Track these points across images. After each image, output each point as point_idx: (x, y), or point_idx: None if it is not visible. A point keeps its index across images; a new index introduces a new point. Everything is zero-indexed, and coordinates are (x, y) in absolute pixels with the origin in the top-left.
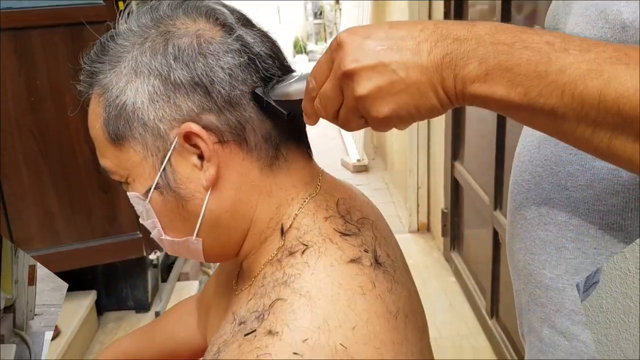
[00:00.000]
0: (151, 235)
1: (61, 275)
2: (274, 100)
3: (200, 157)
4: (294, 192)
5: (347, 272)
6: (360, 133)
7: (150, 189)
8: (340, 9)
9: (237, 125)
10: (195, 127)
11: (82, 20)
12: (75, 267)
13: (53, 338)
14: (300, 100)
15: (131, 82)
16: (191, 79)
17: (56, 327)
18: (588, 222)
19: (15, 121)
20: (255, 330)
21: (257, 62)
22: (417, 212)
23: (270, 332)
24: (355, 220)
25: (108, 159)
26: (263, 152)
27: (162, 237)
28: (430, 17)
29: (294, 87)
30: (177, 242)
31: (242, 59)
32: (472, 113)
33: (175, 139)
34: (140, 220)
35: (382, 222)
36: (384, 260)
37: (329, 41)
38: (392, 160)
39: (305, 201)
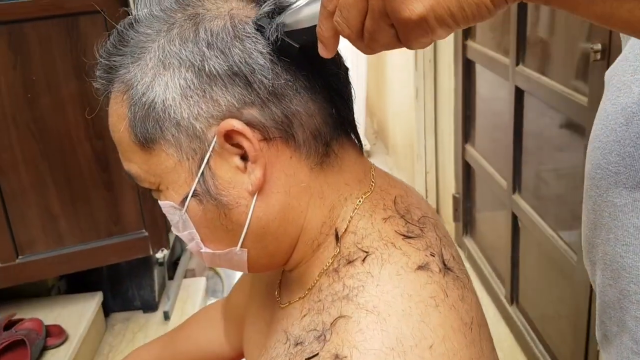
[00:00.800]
0: (188, 247)
1: (65, 277)
2: (284, 32)
3: (243, 157)
4: (347, 191)
5: (416, 281)
6: (361, 117)
7: (187, 196)
8: None
9: (283, 120)
10: (237, 124)
11: (78, 11)
12: (80, 269)
13: (61, 343)
14: (314, 27)
15: (159, 76)
16: (229, 68)
17: (63, 331)
18: None
19: (12, 118)
20: (317, 355)
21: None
22: (426, 198)
23: (337, 357)
24: (416, 219)
25: (135, 164)
26: (312, 149)
27: (202, 250)
28: None
29: (305, 12)
30: (218, 255)
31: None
32: (484, 93)
33: (214, 139)
34: (174, 231)
35: (437, 217)
36: (452, 265)
37: None
38: (394, 145)
39: (360, 201)
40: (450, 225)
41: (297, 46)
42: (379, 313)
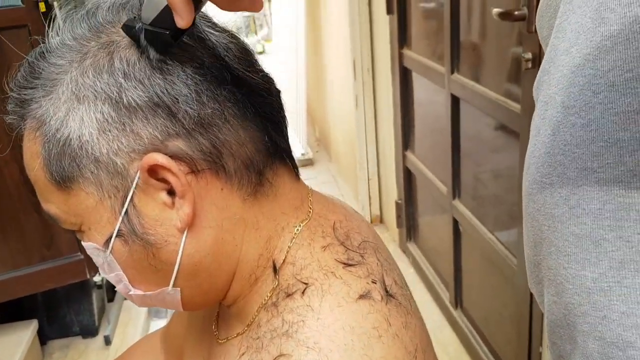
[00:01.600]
0: (116, 289)
1: None
2: (150, 24)
3: (170, 192)
4: (284, 220)
5: (358, 311)
6: (302, 126)
7: (110, 237)
8: (269, 0)
9: (212, 151)
10: (161, 159)
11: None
12: (12, 297)
13: None
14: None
15: (74, 111)
16: (149, 99)
17: None
18: (626, 204)
19: None
20: None
21: (226, 69)
22: (370, 205)
23: None
24: (356, 245)
25: (54, 205)
26: (245, 179)
27: (131, 292)
28: (370, 8)
29: None
30: (149, 296)
31: (207, 68)
32: (421, 101)
33: (138, 175)
34: (101, 273)
35: (379, 239)
36: (395, 291)
37: (260, 34)
38: (337, 152)
39: (297, 229)
40: (394, 231)
41: (167, 32)
42: (320, 349)
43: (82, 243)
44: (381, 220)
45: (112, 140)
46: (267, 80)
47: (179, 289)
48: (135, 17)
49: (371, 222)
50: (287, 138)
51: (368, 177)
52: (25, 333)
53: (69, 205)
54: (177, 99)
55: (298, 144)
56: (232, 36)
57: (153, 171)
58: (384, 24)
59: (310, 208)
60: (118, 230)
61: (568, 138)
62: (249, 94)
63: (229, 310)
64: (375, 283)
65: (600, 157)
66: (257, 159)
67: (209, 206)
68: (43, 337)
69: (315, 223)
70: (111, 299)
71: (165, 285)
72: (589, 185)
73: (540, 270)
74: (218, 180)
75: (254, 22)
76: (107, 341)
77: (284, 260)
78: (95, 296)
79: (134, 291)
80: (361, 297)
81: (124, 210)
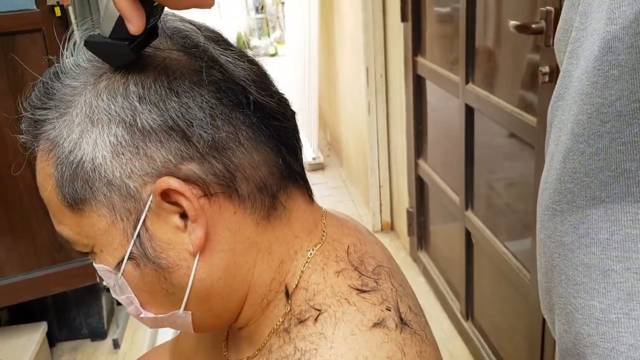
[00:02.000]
0: (128, 311)
1: (7, 307)
2: (109, 37)
3: (183, 215)
4: (297, 244)
5: (372, 340)
6: (313, 130)
7: (122, 260)
8: (282, 3)
9: (225, 174)
10: (174, 183)
11: (15, 30)
12: (22, 300)
13: None
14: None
15: (87, 133)
16: (164, 122)
17: None
18: (633, 235)
19: None
20: None
21: (242, 93)
22: (380, 212)
23: None
24: (370, 270)
25: (67, 226)
26: (258, 203)
27: (142, 315)
28: (384, 15)
29: (109, 7)
30: (160, 318)
31: (222, 92)
32: (435, 109)
33: (150, 198)
34: (113, 295)
35: (393, 262)
36: (409, 318)
37: (273, 36)
38: (348, 157)
39: (310, 253)
40: (404, 239)
41: (126, 42)
42: None
43: (94, 265)
44: (392, 228)
45: (125, 164)
46: (283, 103)
47: (190, 312)
48: (97, 33)
49: (382, 229)
50: (302, 161)
51: (379, 183)
52: (35, 335)
53: (81, 227)
54: (191, 122)
55: (309, 148)
56: (250, 59)
57: (166, 195)
58: (398, 31)
59: (324, 231)
60: (130, 253)
61: (577, 166)
62: (264, 117)
63: (240, 332)
64: (390, 310)
65: (608, 186)
66: (271, 182)
67: (221, 230)
68: (52, 339)
69: (329, 247)
70: (120, 303)
71: (176, 308)
72: (598, 215)
73: (551, 297)
74: (231, 203)
75: (267, 24)
76: (116, 345)
77: (296, 285)
78: (104, 300)
79: (145, 314)
80: (375, 325)
81: (136, 233)
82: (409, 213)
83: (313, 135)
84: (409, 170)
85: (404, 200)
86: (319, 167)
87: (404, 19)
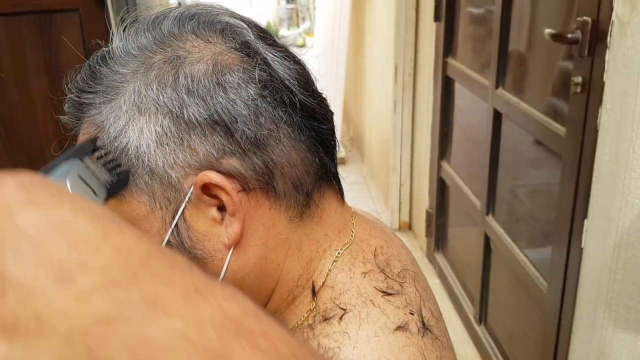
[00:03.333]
0: None
1: None
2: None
3: (221, 208)
4: (326, 242)
5: (394, 343)
6: (337, 125)
7: None
8: None
9: (264, 171)
10: (216, 177)
11: (51, 8)
12: None
13: None
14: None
15: (134, 121)
16: (209, 116)
17: None
18: None
19: None
20: None
21: (286, 92)
22: (399, 210)
23: None
24: (396, 273)
25: None
26: (293, 200)
27: None
28: (417, 13)
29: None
30: None
31: (268, 90)
32: (462, 112)
33: (191, 189)
34: None
35: (417, 266)
36: (431, 323)
37: (302, 27)
38: (370, 154)
39: (339, 253)
40: (422, 239)
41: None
42: None
43: None
44: (409, 227)
45: (168, 154)
46: (324, 104)
47: None
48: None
49: (399, 228)
50: (336, 162)
51: (400, 182)
52: None
53: (120, 212)
54: (236, 118)
55: None
56: (295, 59)
57: (207, 188)
58: (430, 31)
59: (353, 232)
60: (167, 241)
61: None
62: (305, 117)
63: None
64: (413, 314)
65: None
66: (307, 181)
67: (256, 225)
68: None
69: (356, 248)
70: None
71: None
72: None
73: None
74: (267, 199)
75: (297, 15)
76: None
77: (323, 283)
78: None
79: None
80: (398, 328)
81: (175, 222)
82: (428, 214)
83: (336, 129)
84: (431, 171)
85: (423, 200)
86: (340, 162)
87: (437, 18)
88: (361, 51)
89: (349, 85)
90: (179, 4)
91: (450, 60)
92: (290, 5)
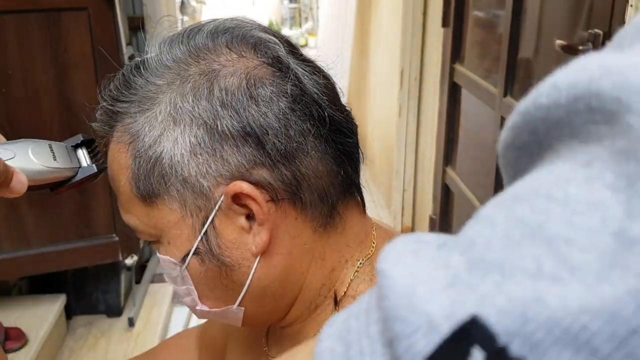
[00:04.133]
0: (182, 301)
1: (29, 278)
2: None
3: (249, 217)
4: (348, 253)
5: None
6: None
7: (188, 253)
8: None
9: (292, 182)
10: (247, 188)
11: (60, 7)
12: (45, 271)
13: (20, 347)
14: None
15: (169, 131)
16: (242, 128)
17: (23, 334)
18: None
19: None
20: None
21: (315, 107)
22: (402, 215)
23: None
24: None
25: (135, 217)
26: (318, 211)
27: (198, 307)
28: (425, 18)
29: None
30: (214, 312)
31: (298, 104)
32: (468, 118)
33: (222, 198)
34: (168, 281)
35: None
36: None
37: (304, 27)
38: (372, 157)
39: (360, 263)
40: None
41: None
42: None
43: (158, 255)
44: (412, 233)
45: (201, 164)
46: (350, 118)
47: (243, 308)
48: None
49: (402, 232)
50: (359, 174)
51: (403, 187)
52: (54, 306)
53: (150, 218)
54: (267, 131)
55: None
56: (323, 74)
57: (237, 197)
58: (437, 36)
59: (374, 242)
60: (196, 248)
61: None
62: (332, 131)
63: (283, 330)
64: None
65: None
66: (332, 193)
67: (282, 234)
68: (69, 312)
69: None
70: (138, 281)
71: (231, 303)
72: None
73: None
74: (294, 210)
75: (300, 15)
76: (131, 323)
77: (345, 293)
78: (123, 277)
79: (200, 306)
80: None
81: (204, 230)
82: (431, 220)
83: None
84: (436, 177)
85: (427, 206)
86: None
87: (445, 24)
88: (366, 53)
89: (353, 86)
90: (182, 3)
91: (458, 67)
92: (293, 5)
